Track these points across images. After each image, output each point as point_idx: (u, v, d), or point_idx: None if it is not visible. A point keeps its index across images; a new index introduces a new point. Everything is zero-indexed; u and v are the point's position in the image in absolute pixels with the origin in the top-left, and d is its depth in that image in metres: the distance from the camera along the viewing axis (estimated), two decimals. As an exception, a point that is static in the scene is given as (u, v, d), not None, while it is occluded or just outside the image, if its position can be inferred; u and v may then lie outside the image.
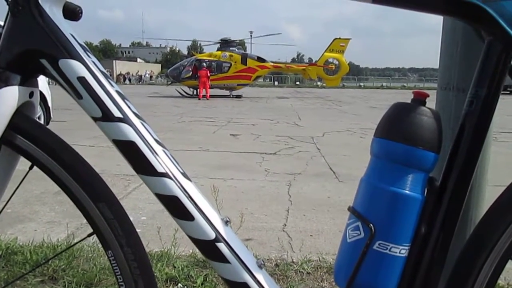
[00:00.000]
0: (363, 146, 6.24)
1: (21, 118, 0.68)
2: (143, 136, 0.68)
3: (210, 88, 21.95)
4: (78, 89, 0.66)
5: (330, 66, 24.63)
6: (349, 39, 25.13)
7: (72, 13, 0.72)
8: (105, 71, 0.70)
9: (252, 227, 2.69)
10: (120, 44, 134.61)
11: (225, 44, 24.81)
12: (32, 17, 0.66)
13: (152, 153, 0.67)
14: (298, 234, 2.60)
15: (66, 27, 0.68)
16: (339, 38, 24.78)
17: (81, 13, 0.75)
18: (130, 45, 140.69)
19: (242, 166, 4.65)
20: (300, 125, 9.19)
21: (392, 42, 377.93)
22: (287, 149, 5.84)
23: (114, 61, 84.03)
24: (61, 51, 0.66)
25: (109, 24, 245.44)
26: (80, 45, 0.68)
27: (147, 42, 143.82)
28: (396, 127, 0.65)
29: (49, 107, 6.16)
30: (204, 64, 22.33)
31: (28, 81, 0.69)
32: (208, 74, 21.63)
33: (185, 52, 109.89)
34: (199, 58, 23.71)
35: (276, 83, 46.66)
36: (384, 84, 50.54)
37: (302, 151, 5.73)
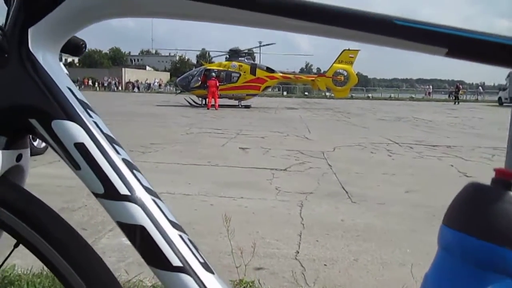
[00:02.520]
0: (374, 163, 6.15)
1: (6, 187, 0.57)
2: (156, 220, 0.54)
3: (219, 97, 21.97)
4: (75, 158, 0.55)
5: (339, 77, 24.53)
6: (358, 50, 25.00)
7: (76, 48, 0.62)
8: (110, 133, 0.59)
9: (264, 253, 2.59)
10: (129, 52, 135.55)
11: (234, 54, 24.82)
12: (20, 66, 0.55)
13: (167, 242, 0.53)
14: (312, 264, 2.50)
15: (63, 78, 0.57)
16: (348, 50, 24.65)
17: (85, 47, 0.65)
18: (139, 53, 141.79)
19: (252, 183, 4.55)
20: (310, 138, 9.08)
21: (400, 53, 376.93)
22: (298, 165, 5.74)
23: (123, 69, 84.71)
24: (56, 109, 0.55)
25: (119, 31, 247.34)
26: (80, 101, 0.57)
27: (156, 50, 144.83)
28: (472, 217, 0.50)
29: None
30: (213, 74, 22.30)
31: (16, 143, 0.58)
32: (217, 84, 21.63)
33: (194, 60, 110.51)
34: (208, 67, 23.74)
35: (285, 93, 46.66)
36: (392, 95, 50.27)
37: (313, 167, 5.63)
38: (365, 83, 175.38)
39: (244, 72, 23.23)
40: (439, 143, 8.83)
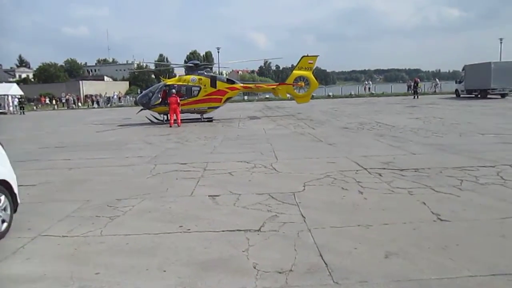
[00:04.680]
0: (346, 207, 6.10)
1: None
2: None
3: (180, 112, 21.66)
4: None
5: (299, 84, 24.66)
6: (316, 56, 25.20)
7: None
8: None
9: None
10: (85, 63, 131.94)
11: (194, 67, 24.49)
12: None
13: None
14: None
15: None
16: (307, 56, 24.83)
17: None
18: (96, 63, 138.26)
19: (229, 261, 4.37)
20: (278, 170, 8.98)
21: (357, 45, 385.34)
22: (271, 220, 5.59)
23: (80, 82, 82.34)
24: None
25: (74, 41, 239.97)
26: None
27: (113, 59, 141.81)
28: None
29: (15, 194, 5.76)
30: (174, 90, 21.97)
31: None
32: (178, 101, 21.35)
33: (152, 66, 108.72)
34: (168, 83, 23.34)
35: (246, 97, 46.54)
36: (353, 92, 51.09)
37: (286, 222, 5.50)
38: (324, 77, 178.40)
39: (205, 85, 23.03)
40: (407, 164, 8.92)
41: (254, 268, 4.17)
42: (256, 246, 4.74)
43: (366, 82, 58.82)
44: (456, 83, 40.69)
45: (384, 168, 8.64)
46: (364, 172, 8.38)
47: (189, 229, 5.40)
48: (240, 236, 5.07)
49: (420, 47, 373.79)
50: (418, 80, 46.14)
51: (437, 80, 56.30)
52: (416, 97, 39.87)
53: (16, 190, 5.77)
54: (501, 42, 61.65)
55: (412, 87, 43.75)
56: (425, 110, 24.92)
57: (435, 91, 49.02)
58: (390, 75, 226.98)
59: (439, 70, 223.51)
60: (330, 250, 4.52)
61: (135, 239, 5.13)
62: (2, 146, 5.86)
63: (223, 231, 5.29)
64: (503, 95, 34.20)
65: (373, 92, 51.42)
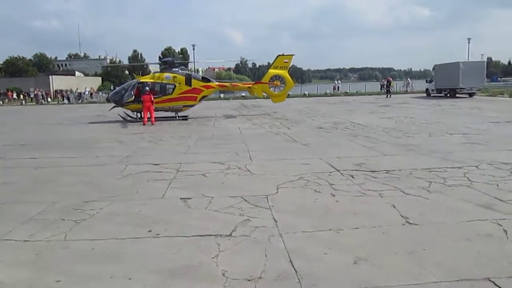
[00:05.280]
0: (318, 210, 6.10)
1: None
2: None
3: (154, 110, 21.37)
4: None
5: (275, 83, 24.67)
6: (292, 55, 25.25)
7: None
8: None
9: None
10: (56, 57, 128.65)
11: (168, 65, 24.16)
12: None
13: None
14: None
15: None
16: (283, 55, 24.86)
17: None
18: (66, 58, 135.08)
19: (198, 268, 4.30)
20: (252, 171, 8.93)
21: (332, 43, 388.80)
22: (243, 225, 5.54)
23: (50, 77, 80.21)
24: None
25: (43, 35, 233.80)
26: None
27: (85, 54, 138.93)
28: None
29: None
30: (147, 88, 21.62)
31: None
32: (152, 98, 21.05)
33: (126, 61, 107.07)
34: (141, 80, 22.95)
35: (222, 95, 46.27)
36: (328, 91, 51.51)
37: (258, 226, 5.46)
38: (300, 75, 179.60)
39: (179, 83, 22.78)
40: (378, 166, 9.01)
41: (223, 275, 4.12)
42: (226, 252, 4.68)
43: (336, 82, 59.42)
44: (426, 82, 41.57)
45: (357, 170, 8.71)
46: (337, 174, 8.42)
47: (158, 234, 5.30)
48: (210, 241, 5.00)
49: (393, 46, 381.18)
50: (391, 79, 46.94)
51: (409, 79, 57.36)
52: (388, 96, 40.52)
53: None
54: (468, 42, 63.48)
55: (385, 86, 44.46)
56: (397, 109, 25.33)
57: (406, 90, 49.93)
58: (364, 74, 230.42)
59: (411, 69, 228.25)
60: (300, 256, 4.50)
61: (101, 244, 5.00)
62: None
63: (193, 236, 5.21)
64: (470, 94, 35.14)
65: (347, 91, 51.93)
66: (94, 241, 5.09)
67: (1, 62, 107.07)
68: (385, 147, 11.61)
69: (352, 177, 8.14)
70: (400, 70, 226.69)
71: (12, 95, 59.72)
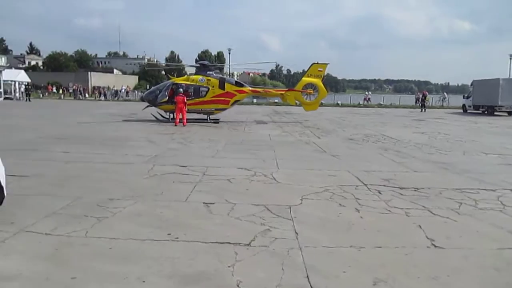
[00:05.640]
0: (341, 225, 5.96)
1: None
2: None
3: (187, 112, 21.60)
4: None
5: (308, 91, 24.53)
6: (326, 64, 25.06)
7: None
8: None
9: None
10: (96, 55, 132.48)
11: (203, 68, 24.43)
12: None
13: None
14: None
15: None
16: (317, 63, 24.69)
17: None
18: (106, 55, 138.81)
19: (213, 276, 4.25)
20: (278, 180, 8.85)
21: (368, 53, 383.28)
22: (263, 235, 5.46)
23: (89, 73, 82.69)
24: None
25: (85, 32, 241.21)
26: None
27: (124, 52, 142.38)
28: None
29: (1, 187, 5.68)
30: (181, 89, 21.92)
31: None
32: (185, 100, 21.29)
33: (163, 62, 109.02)
34: (176, 82, 23.28)
35: (254, 100, 46.43)
36: (361, 102, 50.77)
37: (278, 237, 5.37)
38: (334, 84, 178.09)
39: (213, 87, 22.96)
40: (407, 182, 8.76)
41: (237, 286, 4.05)
42: (243, 262, 4.61)
43: (367, 93, 57.74)
44: (463, 98, 40.42)
45: (384, 185, 8.49)
46: (363, 188, 8.23)
47: (177, 238, 5.28)
48: (228, 249, 4.95)
49: (431, 58, 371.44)
50: (426, 93, 45.98)
51: (445, 94, 55.89)
52: (423, 110, 39.62)
53: (3, 183, 5.70)
54: (510, 58, 61.00)
55: (420, 100, 43.51)
56: (431, 124, 24.71)
57: (442, 105, 48.74)
58: (400, 86, 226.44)
59: (448, 83, 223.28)
60: (318, 272, 4.38)
61: (120, 244, 5.02)
62: None
63: (212, 242, 5.16)
64: (510, 113, 33.83)
65: (381, 103, 51.08)
66: (113, 240, 5.12)
67: (45, 57, 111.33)
68: (415, 163, 11.30)
69: (379, 192, 7.93)
70: (437, 83, 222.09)
71: (51, 89, 61.82)
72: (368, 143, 15.64)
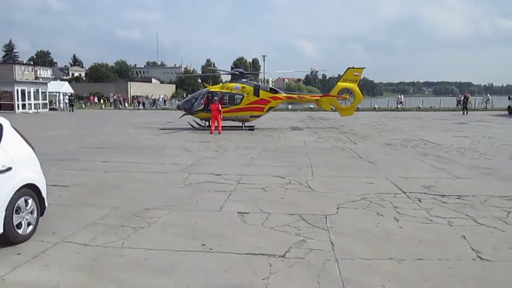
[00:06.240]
0: (380, 235, 5.75)
1: None
2: None
3: (222, 120, 21.73)
4: None
5: (344, 96, 24.18)
6: (362, 68, 24.67)
7: None
8: None
9: None
10: (135, 65, 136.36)
11: (238, 75, 24.56)
12: None
13: None
14: None
15: None
16: (353, 68, 24.33)
17: None
18: (145, 65, 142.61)
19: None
20: (313, 188, 8.69)
21: (406, 56, 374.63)
22: (298, 246, 5.34)
23: (128, 83, 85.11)
24: None
25: (125, 43, 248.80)
26: None
27: (162, 62, 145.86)
28: None
29: (43, 198, 5.83)
30: (216, 97, 22.13)
31: None
32: (220, 108, 21.44)
33: (199, 70, 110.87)
34: (211, 90, 23.51)
35: (289, 106, 46.23)
36: (399, 106, 49.48)
37: (313, 249, 5.23)
38: (371, 88, 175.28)
39: (247, 94, 23.01)
40: (449, 190, 8.41)
41: (272, 300, 3.95)
42: (277, 274, 4.51)
43: (399, 96, 55.67)
44: (509, 99, 38.71)
45: (425, 193, 8.17)
46: (402, 196, 7.95)
47: (211, 249, 5.24)
48: (263, 261, 4.86)
49: (472, 59, 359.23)
50: (468, 95, 44.28)
51: (488, 95, 53.47)
52: (465, 113, 38.20)
53: (44, 194, 5.85)
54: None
55: (461, 102, 42.01)
56: (474, 128, 23.79)
57: (486, 107, 46.81)
58: (440, 88, 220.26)
59: (492, 84, 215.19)
60: (356, 286, 4.22)
61: (155, 254, 5.03)
62: (34, 150, 5.94)
63: (246, 253, 5.09)
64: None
65: (420, 106, 49.67)
66: (148, 251, 5.14)
67: (87, 68, 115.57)
68: (458, 169, 10.85)
69: (419, 200, 7.64)
70: (480, 85, 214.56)
71: (93, 99, 63.96)
72: (407, 148, 15.20)
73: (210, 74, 67.11)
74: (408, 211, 6.93)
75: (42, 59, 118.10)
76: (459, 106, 43.42)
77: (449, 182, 9.29)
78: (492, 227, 6.12)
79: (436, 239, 5.64)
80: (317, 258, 4.94)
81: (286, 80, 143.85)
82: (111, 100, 60.69)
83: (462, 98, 42.80)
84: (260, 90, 23.34)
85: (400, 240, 5.62)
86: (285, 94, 25.43)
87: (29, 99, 43.16)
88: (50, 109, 46.94)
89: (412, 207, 7.23)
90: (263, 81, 59.16)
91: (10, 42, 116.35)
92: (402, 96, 56.57)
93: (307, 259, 4.95)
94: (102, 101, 62.71)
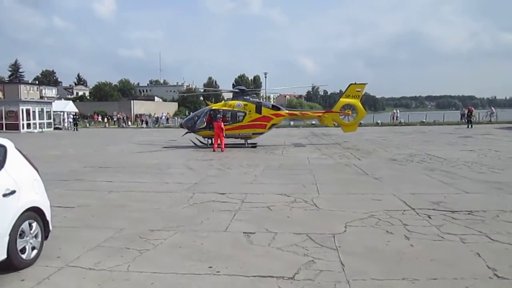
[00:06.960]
0: (391, 255, 5.60)
1: None
2: None
3: (225, 137, 21.68)
4: None
5: (346, 112, 24.13)
6: (365, 84, 24.67)
7: None
8: None
9: None
10: (138, 83, 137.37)
11: (240, 93, 24.61)
12: None
13: None
14: None
15: None
16: (355, 83, 24.33)
17: None
18: (148, 84, 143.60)
19: (256, 314, 4.03)
20: (319, 206, 8.55)
21: (408, 71, 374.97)
22: (307, 267, 5.19)
23: (131, 101, 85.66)
24: None
25: (128, 62, 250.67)
26: None
27: (164, 80, 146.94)
28: None
29: (47, 221, 5.73)
30: (219, 115, 22.13)
31: None
32: (222, 126, 21.41)
33: (201, 89, 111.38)
34: (213, 108, 23.53)
35: (291, 123, 46.19)
36: (402, 120, 49.41)
37: (323, 270, 5.09)
38: (373, 103, 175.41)
39: (250, 111, 23.03)
40: (459, 205, 8.26)
41: (283, 326, 3.81)
42: (287, 298, 4.37)
43: (394, 111, 55.71)
44: (514, 113, 38.63)
45: (434, 209, 8.03)
46: (411, 213, 7.81)
47: (218, 271, 5.10)
48: (271, 284, 4.71)
49: (475, 72, 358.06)
50: (472, 108, 44.22)
51: (492, 108, 53.39)
52: (470, 126, 38.08)
53: (48, 217, 5.75)
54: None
55: (465, 115, 41.93)
56: (480, 141, 23.65)
57: (490, 120, 46.67)
58: (442, 102, 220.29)
59: (495, 97, 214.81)
60: (369, 309, 4.08)
61: (161, 278, 4.89)
62: (38, 172, 5.86)
63: (254, 276, 4.95)
64: None
65: (424, 120, 49.59)
66: (154, 274, 5.00)
67: (91, 87, 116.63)
68: (466, 183, 10.70)
69: (429, 217, 7.49)
70: (483, 98, 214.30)
71: (97, 118, 64.32)
72: (413, 163, 15.06)
73: (211, 92, 67.50)
74: (418, 229, 6.78)
75: (47, 78, 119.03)
76: (463, 120, 43.35)
77: (458, 197, 9.14)
78: (506, 243, 5.96)
79: (449, 257, 5.49)
80: (327, 280, 4.80)
81: (287, 96, 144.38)
82: (115, 119, 60.99)
83: (466, 112, 42.75)
84: (262, 107, 23.33)
85: (412, 258, 5.47)
86: (287, 111, 25.43)
87: (34, 118, 43.44)
88: (54, 128, 47.13)
89: (422, 224, 7.08)
90: (265, 98, 59.36)
91: (16, 61, 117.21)
92: (397, 111, 56.84)
93: (317, 280, 4.80)
94: (106, 119, 63.05)
